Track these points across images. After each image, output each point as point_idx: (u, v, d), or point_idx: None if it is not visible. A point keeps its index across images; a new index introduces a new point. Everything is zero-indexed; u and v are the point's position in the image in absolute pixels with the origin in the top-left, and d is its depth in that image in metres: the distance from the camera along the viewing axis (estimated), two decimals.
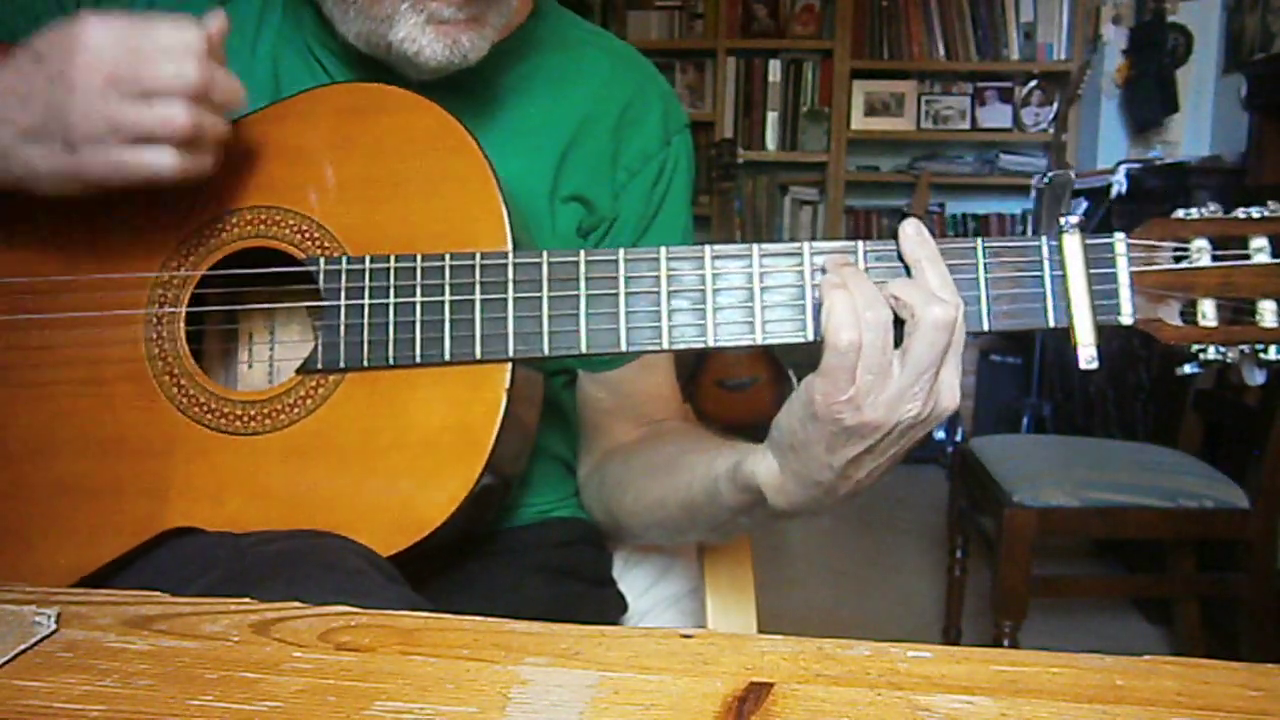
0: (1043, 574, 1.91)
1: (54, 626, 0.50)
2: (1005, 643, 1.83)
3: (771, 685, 0.44)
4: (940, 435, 3.71)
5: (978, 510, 2.13)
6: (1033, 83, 3.94)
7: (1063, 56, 3.87)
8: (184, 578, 0.62)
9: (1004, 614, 1.83)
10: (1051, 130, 3.85)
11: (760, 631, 0.87)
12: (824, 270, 0.64)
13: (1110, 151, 3.41)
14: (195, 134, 0.65)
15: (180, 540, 0.70)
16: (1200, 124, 3.29)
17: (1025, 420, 3.31)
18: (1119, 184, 2.78)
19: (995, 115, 3.99)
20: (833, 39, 4.00)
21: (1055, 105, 3.89)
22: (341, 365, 0.69)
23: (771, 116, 4.11)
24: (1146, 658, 0.47)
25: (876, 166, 4.14)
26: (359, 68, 0.81)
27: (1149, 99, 3.26)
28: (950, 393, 0.62)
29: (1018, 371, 3.61)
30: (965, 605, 2.21)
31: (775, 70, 4.10)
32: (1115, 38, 3.48)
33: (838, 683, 0.45)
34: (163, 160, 0.64)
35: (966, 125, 4.01)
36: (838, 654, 0.47)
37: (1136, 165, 2.86)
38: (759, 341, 0.64)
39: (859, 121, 4.05)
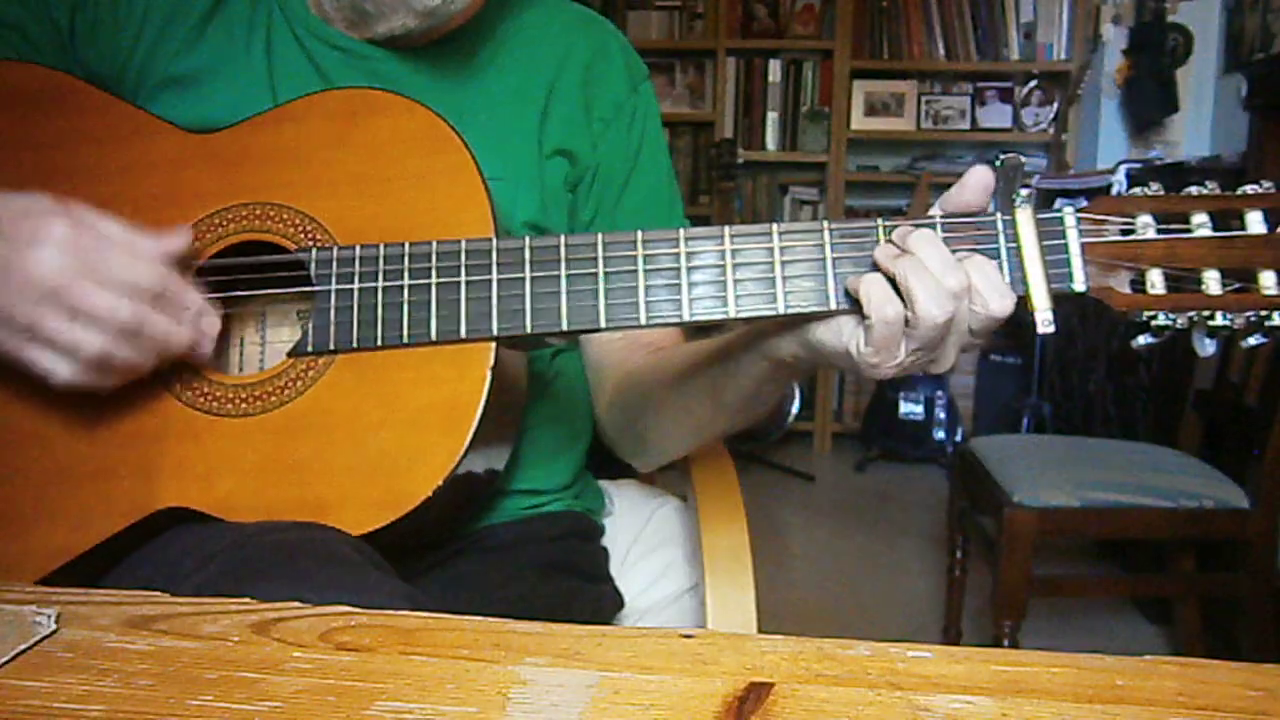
0: (1043, 574, 1.91)
1: (54, 626, 0.50)
2: (1005, 643, 1.82)
3: (771, 685, 0.44)
4: (940, 435, 3.72)
5: (978, 510, 2.13)
6: (1033, 83, 3.94)
7: (1063, 56, 3.87)
8: (183, 571, 0.63)
9: (1004, 614, 1.83)
10: (1051, 130, 3.85)
11: (760, 631, 0.87)
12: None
13: (1110, 151, 3.41)
14: (100, 361, 0.67)
15: (179, 531, 0.70)
16: (1200, 124, 3.29)
17: (1025, 420, 3.31)
18: (1119, 184, 2.77)
19: (995, 115, 3.99)
20: (833, 39, 4.00)
21: (1055, 105, 3.89)
22: (331, 347, 0.71)
23: (771, 116, 4.11)
24: (1146, 658, 0.47)
25: (876, 166, 4.14)
26: (343, 49, 0.84)
27: (1149, 99, 3.26)
28: (951, 357, 0.65)
29: (1018, 371, 3.61)
30: (965, 605, 2.21)
31: (775, 70, 4.10)
32: (1115, 38, 3.48)
33: (838, 683, 0.45)
34: (58, 369, 0.68)
35: (966, 125, 4.01)
36: (838, 654, 0.47)
37: (1136, 165, 2.86)
38: (732, 315, 0.67)
39: (859, 121, 4.05)
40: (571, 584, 0.89)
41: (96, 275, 0.66)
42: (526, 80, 0.89)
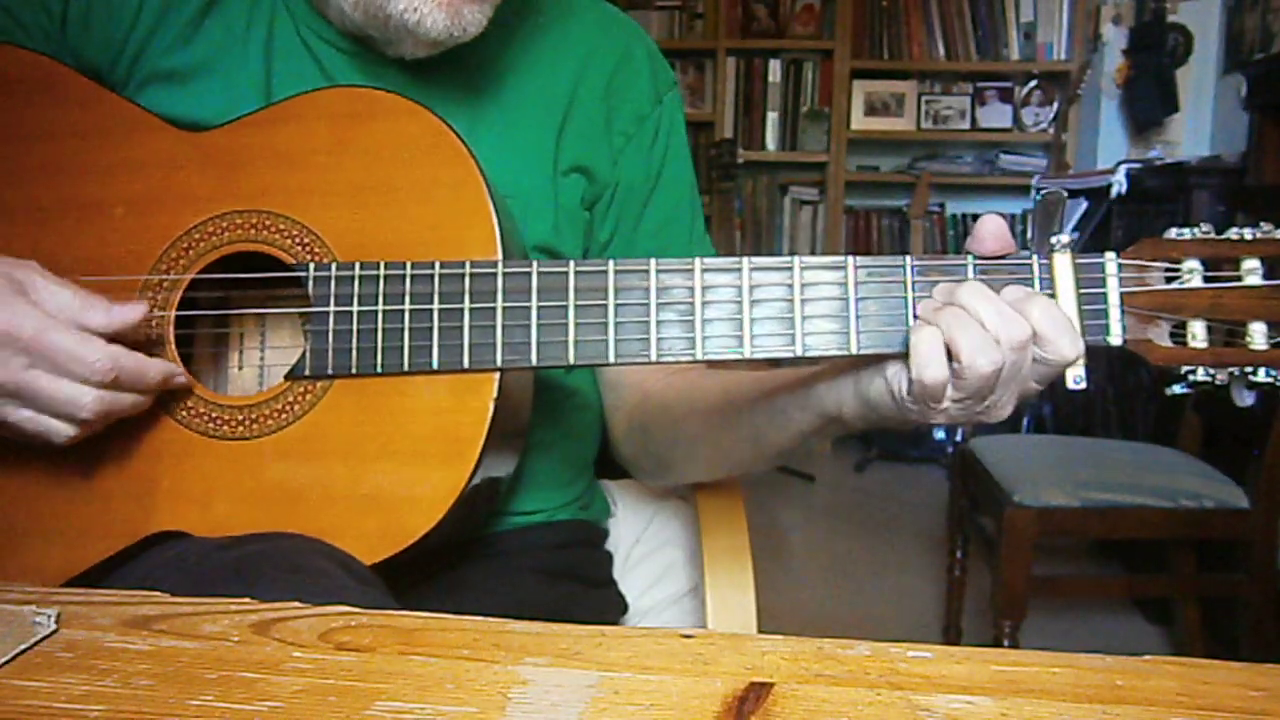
0: (1043, 574, 1.90)
1: (54, 626, 0.50)
2: (1005, 643, 1.82)
3: (771, 685, 0.44)
4: (940, 435, 3.72)
5: (978, 510, 2.13)
6: (1033, 83, 3.94)
7: (1063, 56, 3.87)
8: (155, 581, 0.62)
9: (1004, 614, 1.83)
10: (1051, 130, 3.85)
11: (760, 631, 0.87)
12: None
13: (1110, 151, 3.41)
14: (75, 436, 0.67)
15: (161, 546, 0.70)
16: (1200, 124, 3.29)
17: (1025, 420, 3.31)
18: (1119, 184, 2.77)
19: (995, 115, 3.99)
20: (833, 39, 4.00)
21: (1055, 105, 3.89)
22: (329, 372, 0.69)
23: (771, 116, 4.11)
24: (1146, 658, 0.47)
25: (876, 166, 4.14)
26: (351, 52, 0.81)
27: (1149, 99, 3.26)
28: (1008, 409, 0.63)
29: None
30: (965, 605, 2.21)
31: (775, 70, 4.10)
32: (1115, 38, 3.48)
33: (838, 683, 0.45)
34: (51, 438, 0.67)
35: (966, 125, 4.01)
36: (838, 654, 0.47)
37: (1136, 165, 2.85)
38: (746, 355, 0.64)
39: (859, 121, 4.05)
40: (574, 590, 0.88)
41: (50, 366, 0.65)
42: (544, 90, 0.84)
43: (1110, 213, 2.82)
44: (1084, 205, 3.01)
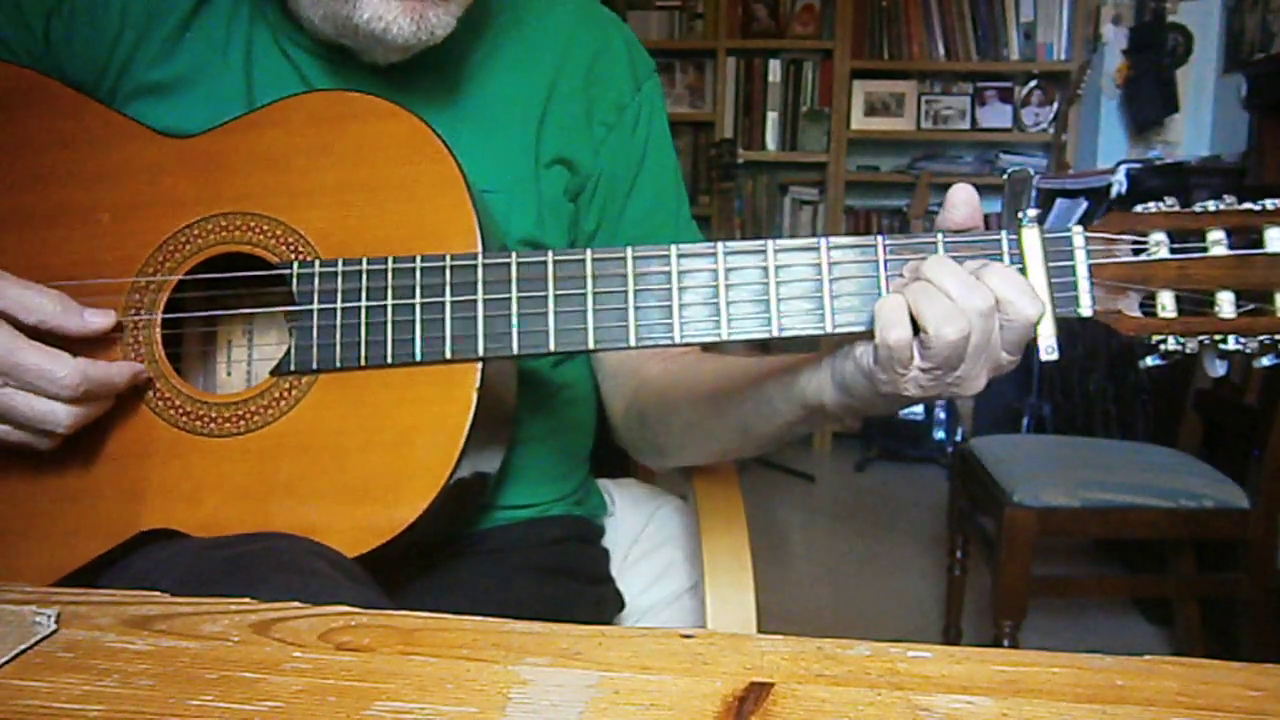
0: (1043, 574, 1.90)
1: (54, 626, 0.51)
2: (1005, 643, 1.82)
3: (771, 685, 0.44)
4: (940, 435, 3.72)
5: (978, 510, 2.13)
6: (1033, 83, 3.94)
7: (1063, 56, 3.87)
8: (150, 581, 0.62)
9: (1004, 614, 1.83)
10: (1051, 130, 3.85)
11: (760, 631, 0.87)
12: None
13: (1110, 151, 3.41)
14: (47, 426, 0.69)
15: (154, 546, 0.70)
16: (1200, 124, 3.29)
17: (1025, 420, 3.31)
18: (1119, 184, 2.77)
19: (995, 115, 3.99)
20: (833, 39, 4.00)
21: (1055, 105, 3.89)
22: (314, 367, 0.70)
23: (771, 116, 4.11)
24: (1146, 658, 0.47)
25: (876, 166, 4.14)
26: (328, 58, 0.82)
27: (1149, 99, 3.26)
28: (981, 380, 0.64)
29: (1018, 371, 3.56)
30: (965, 605, 2.21)
31: (775, 70, 4.10)
32: (1115, 38, 3.48)
33: (838, 683, 0.45)
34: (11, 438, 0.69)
35: (966, 125, 4.01)
36: (838, 654, 0.47)
37: (1136, 165, 2.86)
38: (724, 337, 0.65)
39: (859, 121, 4.05)
40: (571, 587, 0.88)
41: (22, 384, 0.67)
42: (523, 84, 0.85)
43: (1110, 213, 2.82)
44: (1084, 205, 3.01)
